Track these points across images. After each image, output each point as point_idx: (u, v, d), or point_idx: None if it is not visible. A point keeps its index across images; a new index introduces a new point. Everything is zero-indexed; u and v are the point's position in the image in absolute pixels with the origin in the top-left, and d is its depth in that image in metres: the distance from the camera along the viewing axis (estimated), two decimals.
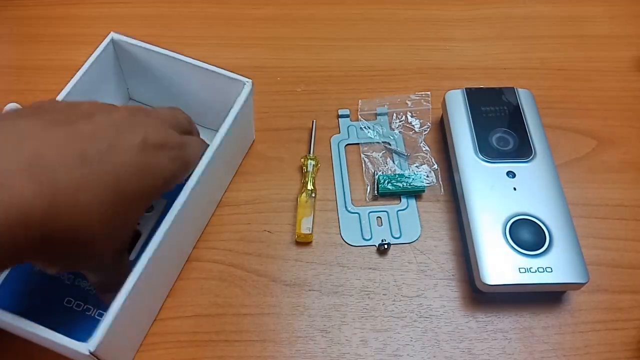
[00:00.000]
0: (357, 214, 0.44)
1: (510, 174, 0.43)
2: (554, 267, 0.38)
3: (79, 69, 0.41)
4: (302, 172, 0.46)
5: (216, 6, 0.58)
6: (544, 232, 0.40)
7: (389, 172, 0.46)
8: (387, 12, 0.58)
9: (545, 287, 0.38)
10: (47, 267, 0.29)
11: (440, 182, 0.46)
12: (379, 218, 0.44)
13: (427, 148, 0.48)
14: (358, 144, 0.48)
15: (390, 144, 0.48)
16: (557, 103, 0.51)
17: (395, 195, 0.45)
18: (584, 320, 0.40)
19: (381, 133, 0.49)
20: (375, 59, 0.54)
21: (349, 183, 0.46)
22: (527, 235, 0.40)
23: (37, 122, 0.28)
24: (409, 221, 0.44)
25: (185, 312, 0.40)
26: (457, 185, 0.44)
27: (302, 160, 0.46)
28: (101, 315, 0.36)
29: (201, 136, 0.39)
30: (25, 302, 0.36)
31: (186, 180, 0.36)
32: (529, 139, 0.45)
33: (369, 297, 0.41)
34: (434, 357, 0.38)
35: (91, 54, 0.42)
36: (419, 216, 0.44)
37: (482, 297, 0.40)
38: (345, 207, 0.45)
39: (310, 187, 0.44)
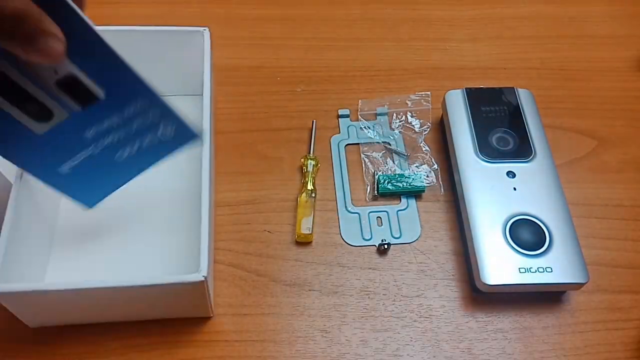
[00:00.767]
0: (357, 214, 0.44)
1: (510, 174, 0.43)
2: (554, 267, 0.38)
3: None
4: (302, 172, 0.46)
5: (216, 6, 0.58)
6: (544, 232, 0.40)
7: (389, 172, 0.46)
8: (387, 12, 0.58)
9: (545, 287, 0.38)
10: None
11: (440, 182, 0.46)
12: (379, 218, 0.44)
13: (427, 148, 0.48)
14: (358, 144, 0.48)
15: (390, 144, 0.48)
16: (557, 103, 0.51)
17: (395, 195, 0.45)
18: (583, 320, 0.40)
19: (381, 133, 0.49)
20: (375, 59, 0.54)
21: (349, 183, 0.46)
22: (527, 235, 0.40)
23: None
24: (409, 221, 0.44)
25: None
26: (457, 185, 0.44)
27: (302, 160, 0.46)
28: None
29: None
30: None
31: None
32: (529, 139, 0.45)
33: (369, 297, 0.41)
34: (434, 357, 0.38)
35: None
36: (419, 216, 0.44)
37: (482, 297, 0.40)
38: (345, 207, 0.45)
39: (310, 187, 0.44)
